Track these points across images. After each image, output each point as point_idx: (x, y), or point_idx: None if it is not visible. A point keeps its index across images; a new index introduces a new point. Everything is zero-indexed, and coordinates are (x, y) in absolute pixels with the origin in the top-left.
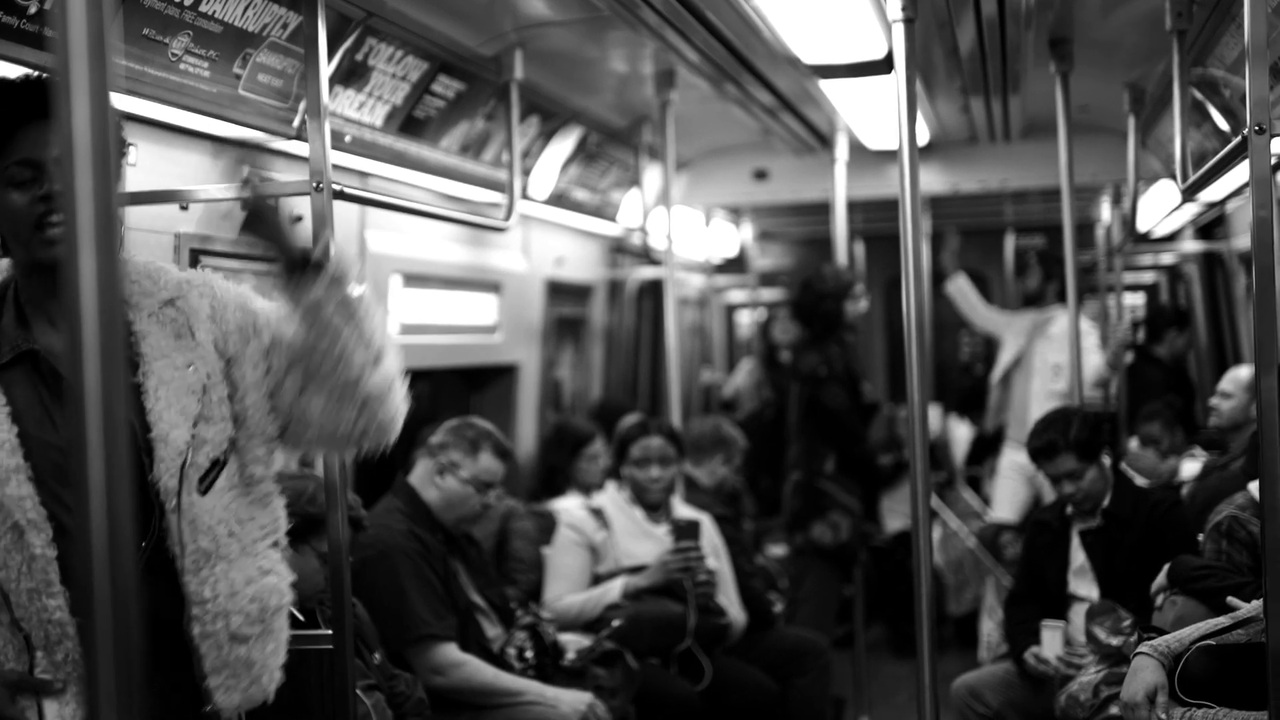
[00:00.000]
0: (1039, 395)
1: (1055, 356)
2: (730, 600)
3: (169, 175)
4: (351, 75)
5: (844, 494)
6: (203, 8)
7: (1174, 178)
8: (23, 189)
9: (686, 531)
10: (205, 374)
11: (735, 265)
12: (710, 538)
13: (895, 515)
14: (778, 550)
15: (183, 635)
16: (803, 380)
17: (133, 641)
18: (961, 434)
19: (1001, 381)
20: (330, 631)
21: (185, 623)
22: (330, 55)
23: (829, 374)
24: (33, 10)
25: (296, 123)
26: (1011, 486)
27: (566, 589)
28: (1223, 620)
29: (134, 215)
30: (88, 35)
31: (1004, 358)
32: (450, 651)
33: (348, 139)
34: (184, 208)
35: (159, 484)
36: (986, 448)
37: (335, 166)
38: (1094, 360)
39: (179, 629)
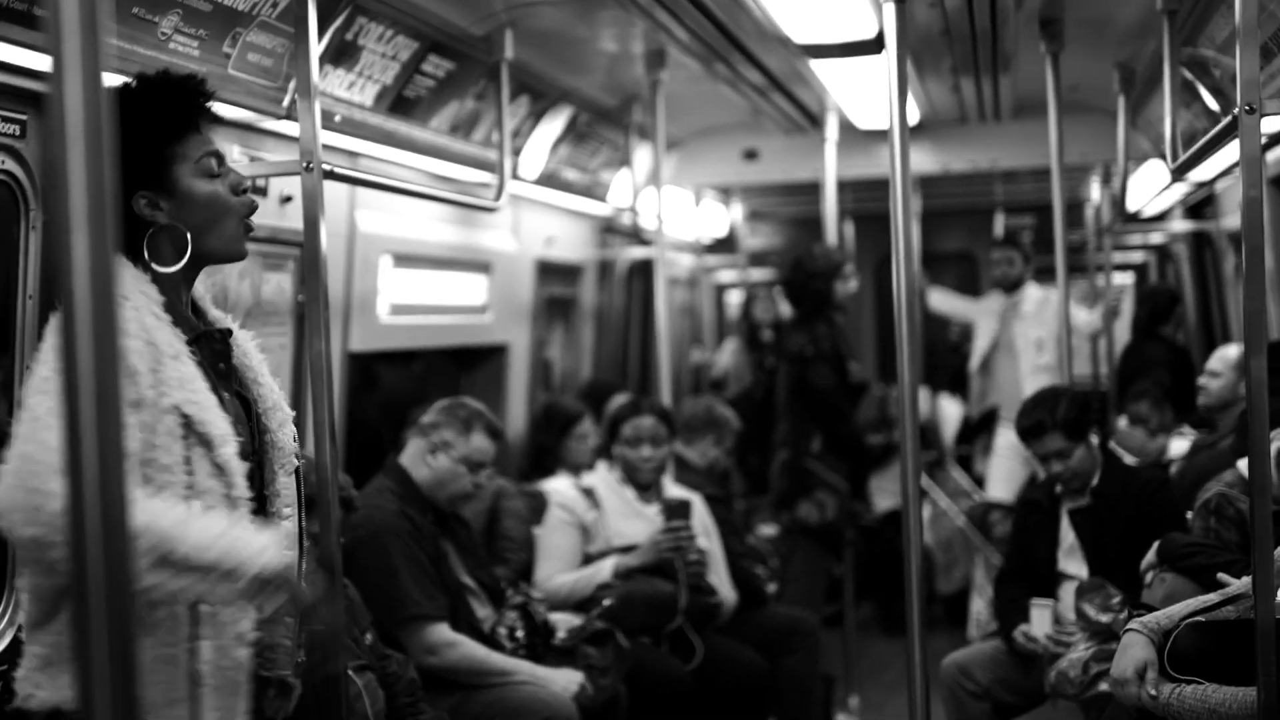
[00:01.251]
0: (1027, 373)
1: (1035, 332)
2: (721, 580)
3: None
4: (341, 55)
5: (830, 473)
6: None
7: (1164, 157)
8: (215, 180)
9: (678, 511)
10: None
11: (725, 245)
12: (701, 518)
13: (884, 494)
14: (768, 530)
15: None
16: (790, 359)
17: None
18: (951, 413)
19: (981, 368)
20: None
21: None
22: (320, 34)
23: (816, 353)
24: None
25: (286, 102)
26: (1008, 466)
27: (558, 568)
28: (1212, 597)
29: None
30: (80, 15)
31: (980, 344)
32: (442, 631)
33: (337, 118)
34: None
35: (280, 467)
36: (976, 428)
37: (325, 146)
38: (1082, 316)
39: None
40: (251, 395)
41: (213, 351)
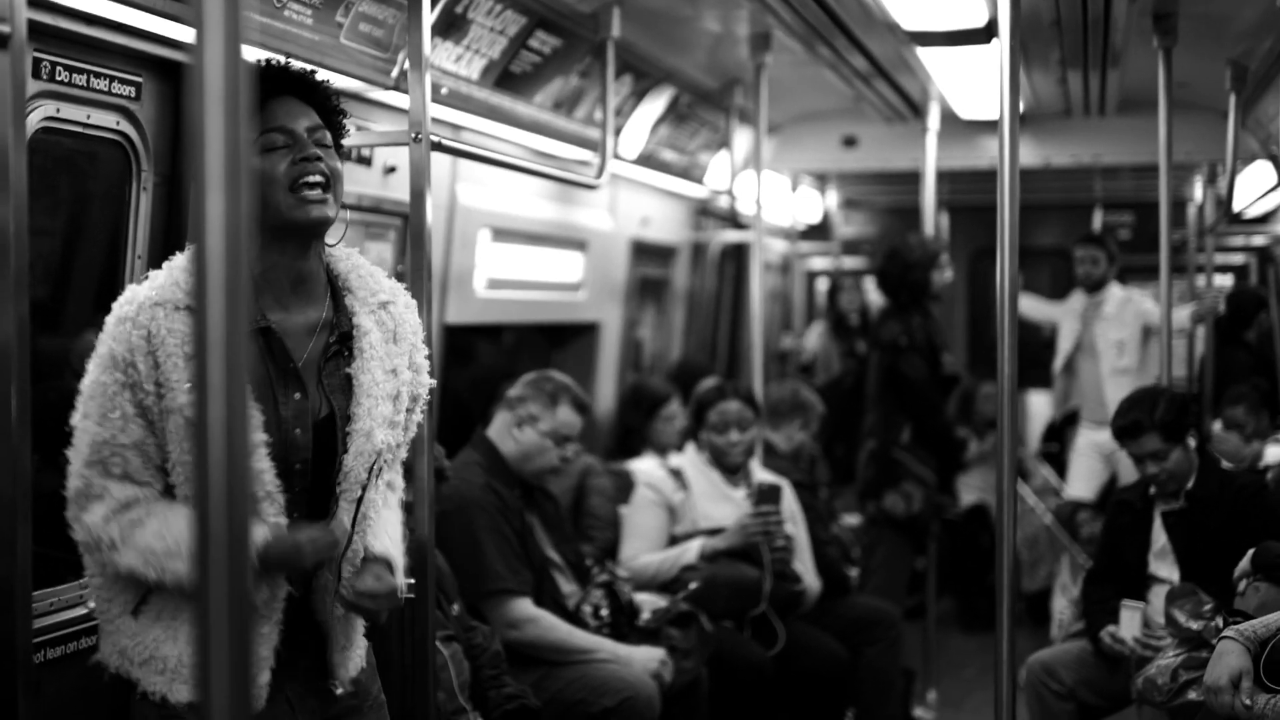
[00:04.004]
0: (1108, 374)
1: (1116, 334)
2: (806, 567)
3: None
4: (450, 28)
5: (918, 465)
6: None
7: (1273, 158)
8: (276, 154)
9: (767, 496)
10: (401, 382)
11: (818, 232)
12: (788, 503)
13: (969, 489)
14: (852, 519)
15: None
16: (882, 349)
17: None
18: (1041, 410)
19: (1065, 369)
20: (413, 580)
21: (323, 602)
22: (432, 6)
23: (909, 344)
24: None
25: (395, 73)
26: (1088, 465)
27: (644, 548)
28: None
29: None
30: None
31: (1063, 345)
32: (525, 606)
33: (444, 91)
34: None
35: (347, 472)
36: (1060, 430)
37: (431, 119)
38: (1176, 315)
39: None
40: (339, 407)
41: (279, 347)
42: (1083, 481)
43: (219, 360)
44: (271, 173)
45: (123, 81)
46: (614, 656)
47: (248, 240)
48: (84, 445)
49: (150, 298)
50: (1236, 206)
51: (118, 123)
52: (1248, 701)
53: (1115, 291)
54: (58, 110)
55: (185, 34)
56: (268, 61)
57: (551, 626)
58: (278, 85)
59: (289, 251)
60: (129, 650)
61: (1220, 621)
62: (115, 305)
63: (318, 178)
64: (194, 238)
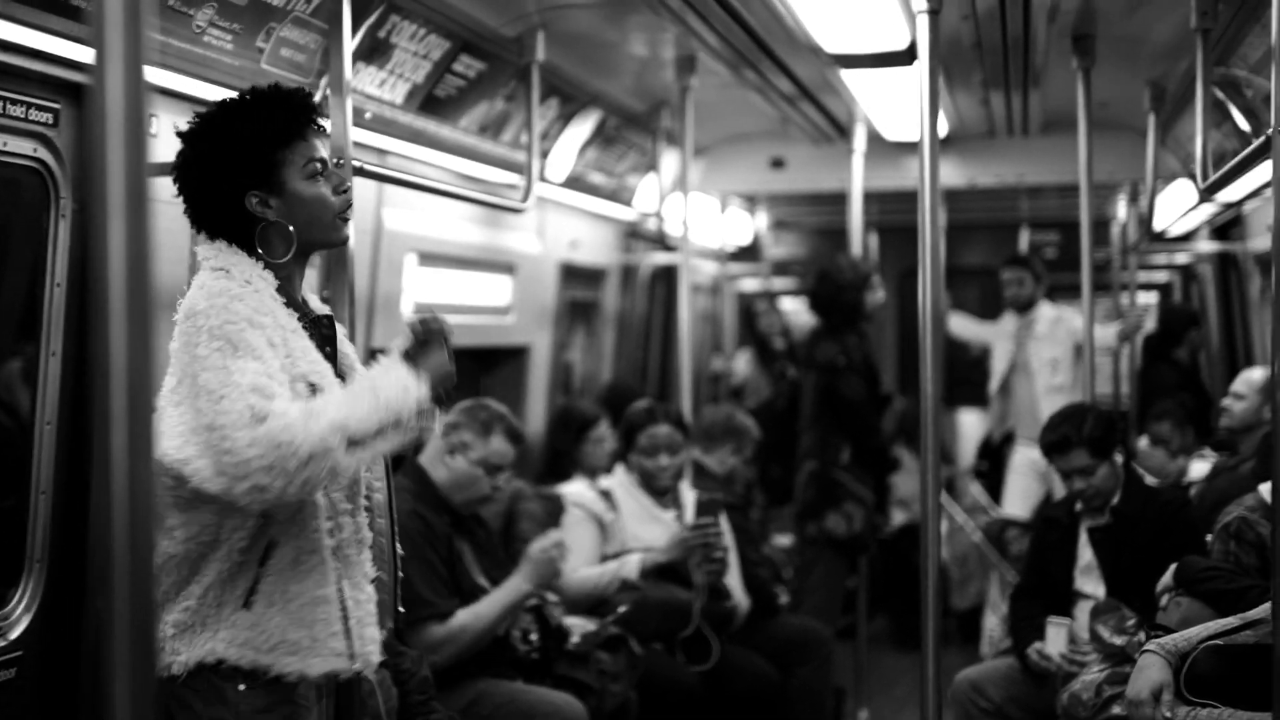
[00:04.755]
0: (1043, 393)
1: (1049, 353)
2: (735, 586)
3: None
4: (374, 52)
5: (858, 485)
6: None
7: (1193, 177)
8: (319, 181)
9: (709, 508)
10: None
11: (748, 253)
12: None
13: (899, 508)
14: (784, 540)
15: None
16: (820, 369)
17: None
18: (971, 428)
19: (1000, 389)
20: None
21: None
22: (354, 31)
23: (847, 364)
24: None
25: (318, 98)
26: (1024, 483)
27: (580, 563)
28: (1231, 621)
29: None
30: (124, 5)
31: (998, 366)
32: (442, 629)
33: (368, 116)
34: None
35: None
36: (997, 451)
37: (354, 144)
38: (1097, 333)
39: None
40: (347, 380)
41: (320, 336)
42: (1019, 500)
43: (121, 387)
44: (325, 198)
45: (40, 108)
46: (517, 593)
47: (150, 265)
48: (236, 380)
49: (227, 289)
50: (1158, 225)
51: (35, 150)
52: (1169, 714)
53: (1046, 311)
54: None
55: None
56: (304, 91)
57: (463, 628)
58: (311, 115)
59: (301, 264)
60: (253, 640)
61: (1143, 636)
62: (191, 303)
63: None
64: (95, 265)
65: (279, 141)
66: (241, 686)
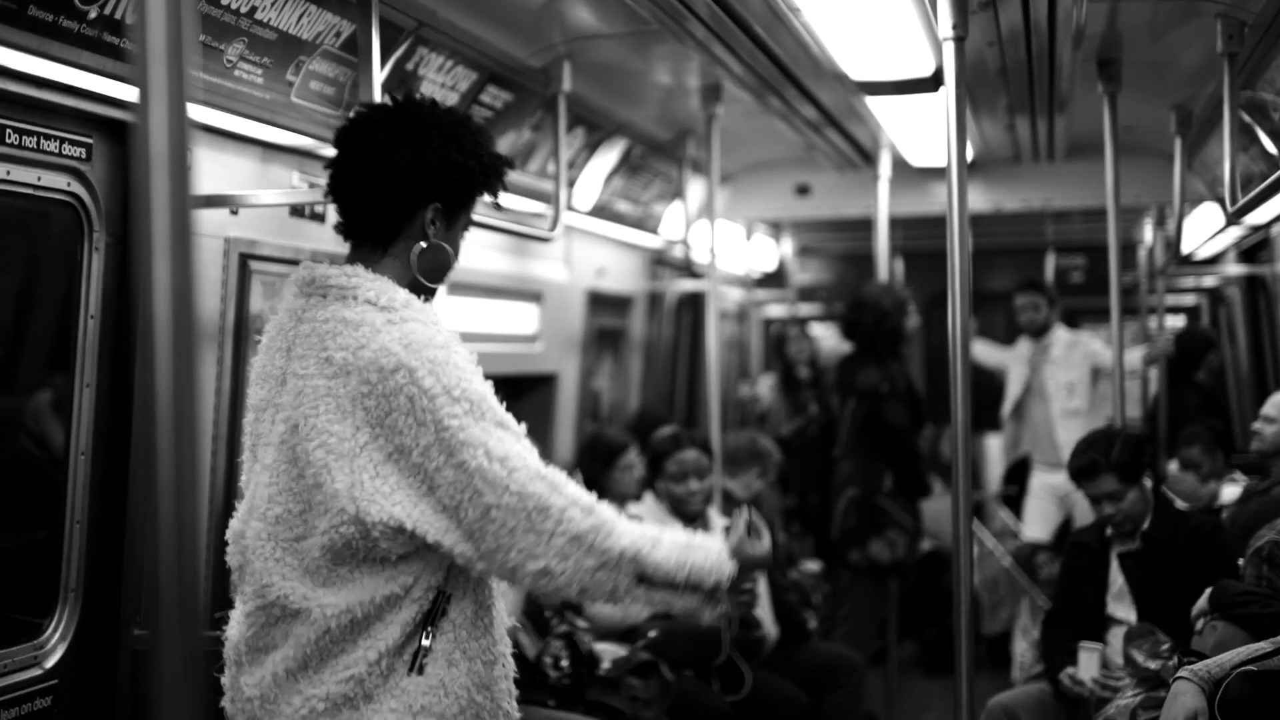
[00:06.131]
0: (1060, 417)
1: (1065, 376)
2: (764, 614)
3: (219, 179)
4: (402, 84)
5: (901, 511)
6: (258, 15)
7: (1220, 200)
8: (461, 238)
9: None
10: None
11: (774, 280)
12: None
13: (926, 535)
14: (812, 566)
15: None
16: (860, 396)
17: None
18: (997, 453)
19: (1014, 413)
20: None
21: None
22: (382, 64)
23: (891, 390)
24: (92, 15)
25: None
26: (1042, 507)
27: None
28: (1264, 646)
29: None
30: (166, 44)
31: (1012, 390)
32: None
33: None
34: (234, 212)
35: None
36: (1011, 475)
37: None
38: (1128, 356)
39: None
40: None
41: None
42: (1038, 524)
43: (168, 419)
44: (457, 254)
45: (73, 143)
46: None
47: (194, 297)
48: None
49: (430, 339)
50: (1185, 248)
51: (69, 184)
52: None
53: (1061, 334)
54: (8, 173)
55: (134, 95)
56: (512, 162)
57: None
58: (503, 186)
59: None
60: (433, 707)
61: (1178, 661)
62: (437, 346)
63: None
64: (141, 302)
65: (483, 185)
66: None
